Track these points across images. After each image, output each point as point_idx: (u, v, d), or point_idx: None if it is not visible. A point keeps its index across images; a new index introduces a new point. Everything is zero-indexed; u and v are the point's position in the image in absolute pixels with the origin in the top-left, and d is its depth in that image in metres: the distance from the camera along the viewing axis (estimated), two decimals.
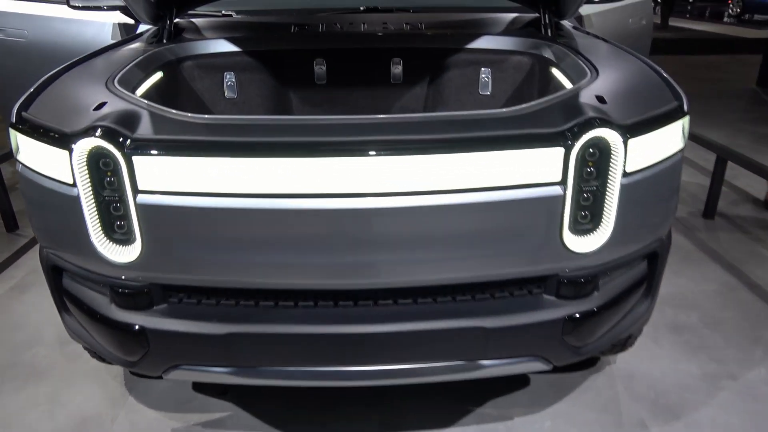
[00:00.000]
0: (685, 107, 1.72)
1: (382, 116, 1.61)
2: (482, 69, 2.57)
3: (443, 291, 1.69)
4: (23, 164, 1.67)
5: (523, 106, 1.63)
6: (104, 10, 2.91)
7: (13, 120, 1.68)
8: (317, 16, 2.83)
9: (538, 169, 1.50)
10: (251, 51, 2.53)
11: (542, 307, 1.69)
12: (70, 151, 1.49)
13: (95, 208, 1.54)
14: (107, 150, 1.47)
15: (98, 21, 3.22)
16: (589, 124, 1.50)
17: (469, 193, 1.49)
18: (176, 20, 2.52)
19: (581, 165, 1.52)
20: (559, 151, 1.49)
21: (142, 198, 1.50)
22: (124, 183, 1.49)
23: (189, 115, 1.61)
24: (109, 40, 3.15)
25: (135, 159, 1.47)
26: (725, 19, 17.01)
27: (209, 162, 1.46)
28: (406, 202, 1.48)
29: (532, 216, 1.55)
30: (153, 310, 1.67)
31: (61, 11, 3.19)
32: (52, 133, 1.56)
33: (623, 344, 2.26)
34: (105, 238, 1.57)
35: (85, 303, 1.75)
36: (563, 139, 1.49)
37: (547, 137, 1.50)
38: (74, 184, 1.52)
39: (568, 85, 1.98)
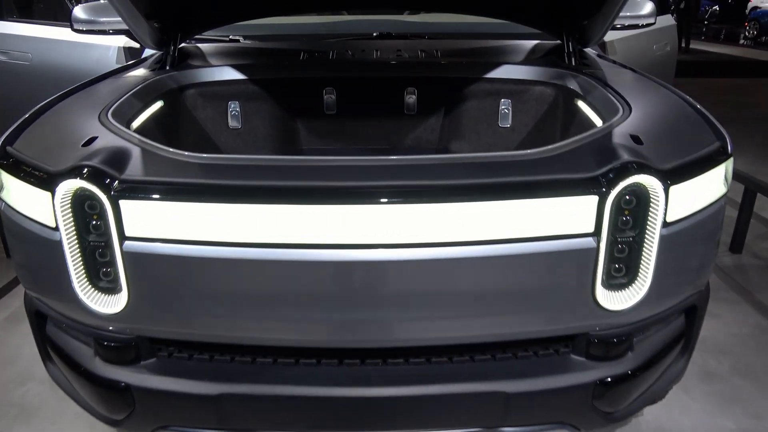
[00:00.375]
0: (729, 148, 1.58)
1: (395, 158, 1.47)
2: (501, 100, 2.44)
3: (460, 350, 1.54)
4: (5, 203, 1.55)
5: (551, 147, 1.49)
6: (109, 33, 2.83)
7: None
8: (328, 43, 2.73)
9: (568, 219, 1.36)
10: (257, 79, 2.41)
11: (570, 369, 1.53)
12: (53, 192, 1.37)
13: (79, 254, 1.42)
14: (92, 192, 1.35)
15: (103, 44, 3.19)
16: (626, 170, 1.35)
17: (492, 245, 1.35)
18: (181, 45, 2.42)
19: (616, 214, 1.37)
20: (592, 200, 1.35)
21: (129, 245, 1.38)
22: (110, 228, 1.37)
23: (185, 153, 1.48)
24: (114, 64, 3.08)
25: (122, 203, 1.35)
26: (741, 41, 16.86)
27: (203, 208, 1.33)
28: (422, 254, 1.34)
29: (561, 270, 1.40)
30: (140, 365, 1.54)
31: (66, 34, 3.14)
32: (34, 172, 1.45)
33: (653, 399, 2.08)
34: (89, 286, 1.45)
35: (68, 354, 1.62)
36: (597, 186, 1.35)
37: (579, 184, 1.36)
38: (57, 228, 1.40)
39: (596, 120, 1.84)
